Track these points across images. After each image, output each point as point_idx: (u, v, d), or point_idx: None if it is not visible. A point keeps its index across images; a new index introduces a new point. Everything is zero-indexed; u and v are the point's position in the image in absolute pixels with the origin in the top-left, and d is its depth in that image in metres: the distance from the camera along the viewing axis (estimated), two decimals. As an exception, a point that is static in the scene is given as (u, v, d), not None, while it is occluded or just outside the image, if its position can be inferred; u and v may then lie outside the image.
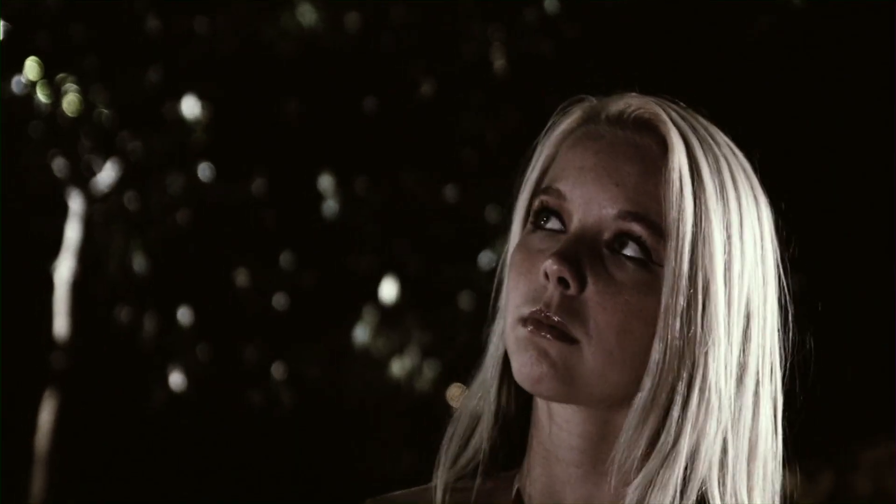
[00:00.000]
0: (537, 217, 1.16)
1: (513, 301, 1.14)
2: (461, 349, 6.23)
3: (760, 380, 1.14)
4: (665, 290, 1.10)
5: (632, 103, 1.16)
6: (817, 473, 6.34)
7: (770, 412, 1.15)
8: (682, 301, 1.10)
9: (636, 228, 1.11)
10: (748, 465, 1.13)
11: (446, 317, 6.79)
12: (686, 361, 1.11)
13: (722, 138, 1.16)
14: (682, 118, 1.16)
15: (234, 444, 7.04)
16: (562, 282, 1.10)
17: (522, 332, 1.12)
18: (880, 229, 6.27)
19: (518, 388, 1.17)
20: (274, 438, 7.05)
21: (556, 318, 1.11)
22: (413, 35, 6.56)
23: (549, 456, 1.17)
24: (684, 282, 1.10)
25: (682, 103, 1.18)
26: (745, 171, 1.16)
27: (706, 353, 1.11)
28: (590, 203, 1.13)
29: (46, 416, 6.24)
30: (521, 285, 1.14)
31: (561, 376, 1.11)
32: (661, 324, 1.10)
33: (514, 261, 1.15)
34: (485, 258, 6.62)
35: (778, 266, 1.16)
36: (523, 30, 6.60)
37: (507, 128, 6.61)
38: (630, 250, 1.11)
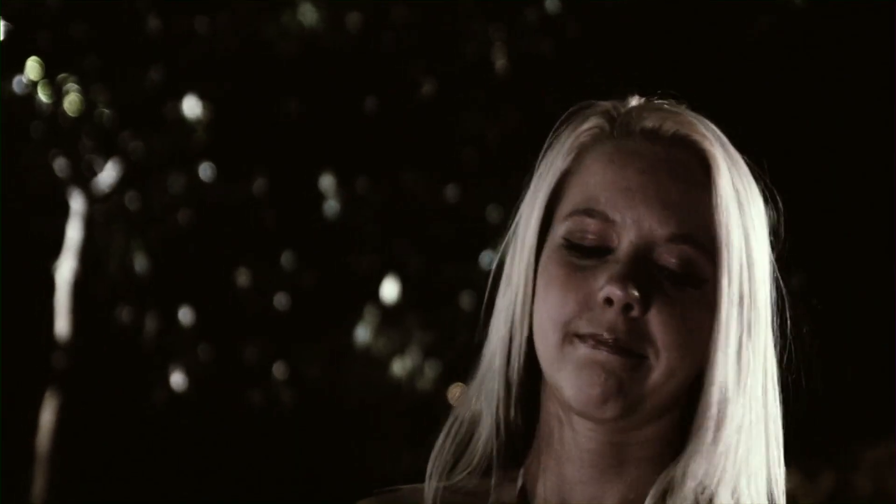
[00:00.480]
0: (570, 240, 1.13)
1: (557, 317, 1.12)
2: (461, 349, 6.23)
3: (774, 385, 1.17)
4: (722, 306, 1.12)
5: (667, 118, 1.15)
6: (818, 473, 6.34)
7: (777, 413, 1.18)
8: (735, 315, 1.12)
9: (688, 250, 1.12)
10: (769, 470, 1.16)
11: (447, 316, 6.79)
12: (743, 371, 1.13)
13: (734, 149, 1.17)
14: (713, 132, 1.16)
15: (234, 444, 7.04)
16: (626, 308, 1.10)
17: (583, 349, 1.11)
18: (880, 229, 6.27)
19: (527, 402, 1.18)
20: (274, 438, 7.05)
21: (618, 333, 1.10)
22: (413, 35, 6.57)
23: (561, 457, 1.16)
24: (737, 298, 1.12)
25: (689, 107, 1.18)
26: (753, 182, 1.17)
27: (757, 364, 1.14)
28: (640, 225, 1.12)
29: (47, 416, 6.24)
30: (569, 302, 1.11)
31: (626, 395, 1.10)
32: (721, 338, 1.12)
33: (551, 276, 1.13)
34: (485, 258, 6.62)
35: (773, 267, 1.18)
36: (524, 30, 6.61)
37: (507, 128, 6.61)
38: (682, 270, 1.12)
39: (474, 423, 1.19)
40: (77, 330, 6.36)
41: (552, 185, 1.16)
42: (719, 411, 1.12)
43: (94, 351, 6.64)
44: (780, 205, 1.19)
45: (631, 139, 1.15)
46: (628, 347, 1.10)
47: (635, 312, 1.10)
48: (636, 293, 1.09)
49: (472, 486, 1.19)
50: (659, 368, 1.11)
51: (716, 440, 1.12)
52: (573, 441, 1.15)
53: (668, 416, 1.15)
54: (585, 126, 1.16)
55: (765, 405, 1.15)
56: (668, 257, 1.12)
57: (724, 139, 1.16)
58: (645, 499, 1.13)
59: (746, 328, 1.13)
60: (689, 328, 1.11)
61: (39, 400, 6.26)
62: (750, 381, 1.13)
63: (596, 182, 1.14)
